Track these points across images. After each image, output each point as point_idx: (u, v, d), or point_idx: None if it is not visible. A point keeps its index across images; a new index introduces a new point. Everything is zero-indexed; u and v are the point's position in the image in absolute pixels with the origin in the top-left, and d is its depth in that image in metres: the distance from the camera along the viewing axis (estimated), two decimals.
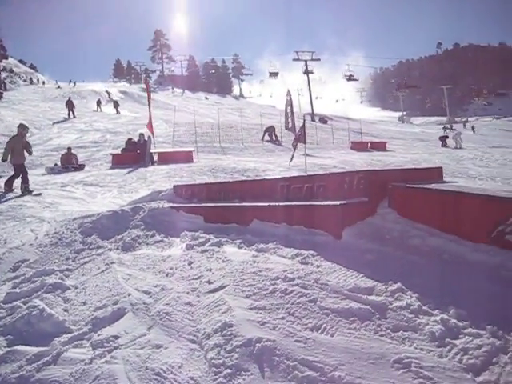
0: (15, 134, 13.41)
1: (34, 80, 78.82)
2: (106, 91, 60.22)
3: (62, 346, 3.37)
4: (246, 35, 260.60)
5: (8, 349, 3.43)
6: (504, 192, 5.17)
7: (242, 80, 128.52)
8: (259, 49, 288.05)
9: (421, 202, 4.91)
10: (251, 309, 3.42)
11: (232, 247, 5.16)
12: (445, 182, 6.27)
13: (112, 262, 5.23)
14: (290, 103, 39.23)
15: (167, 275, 4.53)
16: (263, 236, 5.34)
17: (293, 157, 16.46)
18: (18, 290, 4.60)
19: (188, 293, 3.99)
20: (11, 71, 78.62)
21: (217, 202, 7.49)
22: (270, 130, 32.28)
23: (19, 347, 3.42)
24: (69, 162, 18.79)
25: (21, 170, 12.56)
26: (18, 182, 12.42)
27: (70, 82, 79.00)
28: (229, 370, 2.75)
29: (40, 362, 3.18)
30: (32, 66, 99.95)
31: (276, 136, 31.91)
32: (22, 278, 5.02)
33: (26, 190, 12.10)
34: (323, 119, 59.03)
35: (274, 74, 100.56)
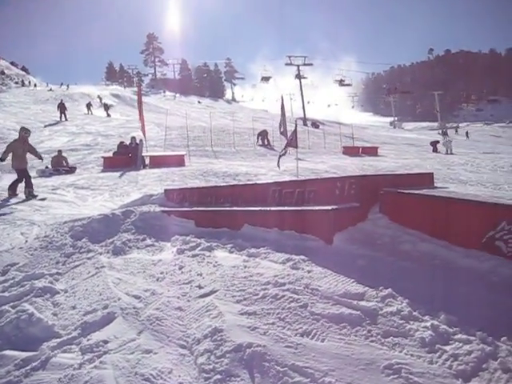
0: (16, 137, 13.12)
1: (26, 82, 78.47)
2: (98, 96, 59.77)
3: (51, 351, 3.34)
4: (239, 39, 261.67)
5: None
6: (494, 198, 5.21)
7: (235, 84, 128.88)
8: (252, 53, 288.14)
9: (412, 208, 4.93)
10: (242, 314, 3.41)
11: (223, 252, 5.15)
12: (436, 187, 6.31)
13: (102, 266, 5.19)
14: (282, 108, 39.24)
15: (158, 280, 4.51)
16: (254, 241, 5.32)
17: (279, 161, 16.44)
18: (6, 294, 4.55)
19: (178, 297, 3.97)
20: (2, 73, 78.41)
21: (208, 206, 7.48)
22: (263, 135, 32.34)
23: (7, 352, 3.37)
24: (59, 165, 18.69)
25: (23, 175, 12.25)
26: (22, 187, 12.26)
27: (62, 84, 78.65)
28: (219, 376, 2.73)
29: (28, 367, 3.14)
30: (24, 69, 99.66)
31: (268, 140, 31.95)
32: (11, 281, 4.95)
33: (30, 195, 11.91)
34: (315, 124, 59.11)
35: (265, 79, 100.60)
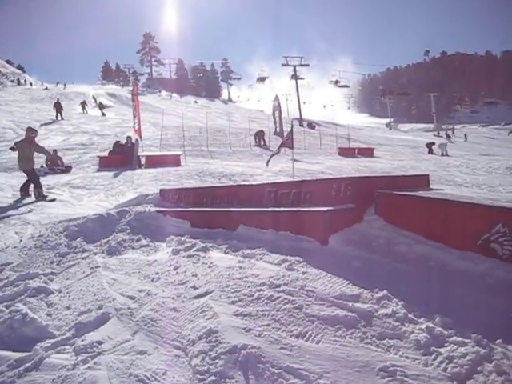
0: (23, 138, 12.74)
1: (22, 81, 78.17)
2: (93, 97, 59.44)
3: (45, 352, 3.32)
4: (235, 40, 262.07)
5: None
6: (489, 200, 5.22)
7: (231, 84, 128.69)
8: (248, 53, 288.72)
9: (407, 210, 4.94)
10: (236, 315, 3.40)
11: (218, 252, 5.13)
12: (431, 189, 6.32)
13: (97, 266, 5.18)
14: (277, 108, 39.30)
15: (152, 280, 4.50)
16: (250, 241, 5.32)
17: (269, 160, 16.45)
18: (0, 294, 4.53)
19: (173, 298, 3.96)
20: None
21: (203, 206, 7.47)
22: (259, 135, 32.36)
23: (0, 352, 3.36)
24: (55, 164, 18.64)
25: (31, 176, 11.98)
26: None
27: (58, 83, 78.43)
28: (213, 378, 2.72)
29: (21, 368, 3.13)
30: (20, 67, 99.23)
31: (264, 141, 31.97)
32: (5, 281, 4.93)
33: (39, 196, 11.64)
34: (311, 125, 59.08)
35: (261, 79, 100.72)
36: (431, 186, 6.78)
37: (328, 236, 4.87)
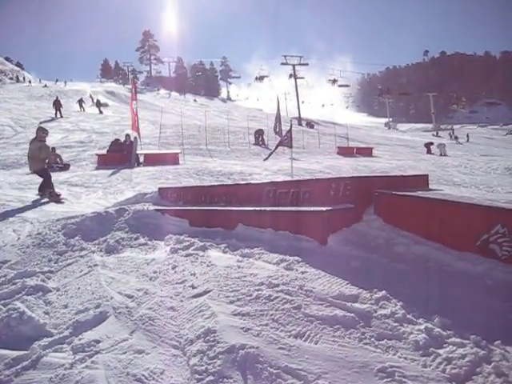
0: (33, 138, 11.99)
1: (21, 78, 78.16)
2: (90, 95, 59.17)
3: (42, 350, 3.32)
4: (235, 38, 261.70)
5: None
6: (488, 201, 5.22)
7: (230, 83, 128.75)
8: (247, 52, 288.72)
9: (406, 210, 4.94)
10: (235, 315, 3.39)
11: (216, 252, 5.12)
12: (431, 189, 6.31)
13: (95, 265, 5.16)
14: (277, 107, 39.24)
15: (151, 279, 4.48)
16: (248, 241, 5.31)
17: (268, 156, 16.45)
18: None
19: (171, 297, 3.95)
20: None
21: (202, 205, 7.46)
22: (259, 134, 32.34)
23: None
24: (53, 162, 18.59)
25: (42, 176, 11.57)
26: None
27: (57, 81, 78.40)
28: (211, 377, 2.71)
29: (19, 367, 3.12)
30: (18, 64, 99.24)
31: (263, 139, 31.95)
32: (3, 279, 4.91)
33: (51, 196, 11.23)
34: (310, 124, 59.03)
35: (260, 78, 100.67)
36: (430, 187, 6.77)
37: (327, 236, 4.87)
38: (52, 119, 35.63)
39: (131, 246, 5.89)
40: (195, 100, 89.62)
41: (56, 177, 15.14)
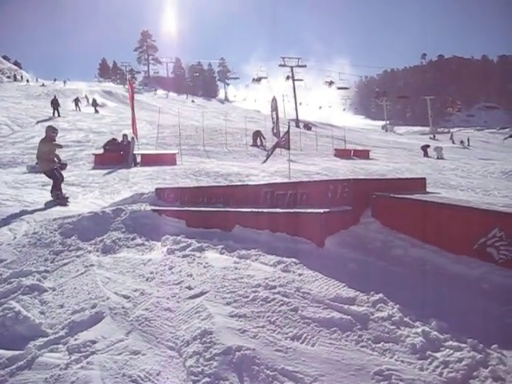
0: (43, 137, 11.46)
1: (18, 77, 77.97)
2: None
3: (38, 350, 3.30)
4: (233, 40, 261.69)
5: None
6: (485, 204, 5.22)
7: (228, 84, 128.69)
8: (245, 53, 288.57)
9: (404, 213, 4.93)
10: (231, 316, 3.38)
11: (213, 253, 5.12)
12: (428, 192, 6.31)
13: (91, 265, 5.15)
14: (275, 109, 39.23)
15: (147, 279, 4.48)
16: (245, 242, 5.31)
17: (267, 159, 16.46)
18: None
19: (168, 298, 3.94)
20: None
21: (199, 206, 7.45)
22: (257, 135, 32.35)
23: None
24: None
25: (51, 177, 11.12)
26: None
27: (55, 80, 78.24)
28: (207, 379, 2.70)
29: (14, 367, 3.11)
30: (16, 63, 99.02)
31: (262, 141, 31.96)
32: None
33: (57, 198, 10.70)
34: (307, 125, 59.00)
35: (257, 80, 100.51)
36: (427, 190, 6.77)
37: (324, 238, 4.87)
38: (49, 118, 35.51)
39: (128, 247, 5.88)
40: (193, 101, 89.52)
41: None
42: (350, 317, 3.25)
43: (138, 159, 20.67)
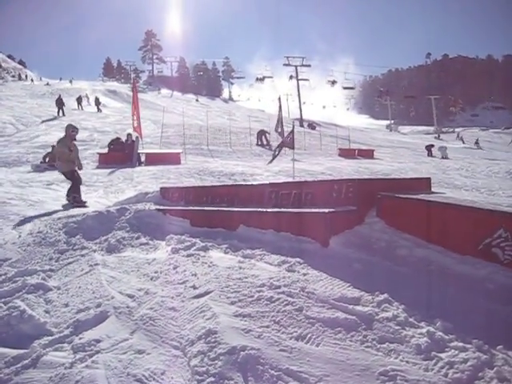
0: (63, 136, 10.93)
1: (23, 76, 78.23)
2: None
3: (42, 349, 3.31)
4: (237, 39, 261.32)
5: None
6: (491, 205, 5.20)
7: (232, 83, 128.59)
8: (249, 53, 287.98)
9: (409, 213, 4.92)
10: (236, 316, 3.38)
11: (218, 252, 5.12)
12: (433, 192, 6.29)
13: (96, 264, 5.15)
14: (279, 108, 39.19)
15: (152, 279, 4.48)
16: (250, 242, 5.31)
17: (273, 159, 16.45)
18: None
19: (172, 298, 3.94)
20: None
21: (204, 205, 7.45)
22: (261, 134, 32.34)
23: None
24: (54, 160, 18.56)
25: (70, 178, 10.55)
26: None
27: (61, 79, 78.39)
28: (212, 379, 2.70)
29: (19, 365, 3.11)
30: (21, 62, 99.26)
31: (267, 140, 31.94)
32: (3, 277, 4.90)
33: (74, 201, 10.10)
34: (311, 125, 58.93)
35: (261, 79, 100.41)
36: (432, 189, 6.76)
37: (329, 238, 4.86)
38: (54, 118, 35.62)
39: (132, 246, 5.89)
40: (197, 100, 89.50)
41: (57, 175, 15.15)
42: (354, 317, 3.24)
43: (143, 158, 20.69)
